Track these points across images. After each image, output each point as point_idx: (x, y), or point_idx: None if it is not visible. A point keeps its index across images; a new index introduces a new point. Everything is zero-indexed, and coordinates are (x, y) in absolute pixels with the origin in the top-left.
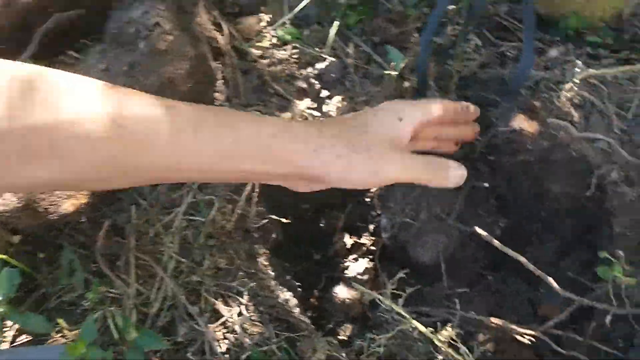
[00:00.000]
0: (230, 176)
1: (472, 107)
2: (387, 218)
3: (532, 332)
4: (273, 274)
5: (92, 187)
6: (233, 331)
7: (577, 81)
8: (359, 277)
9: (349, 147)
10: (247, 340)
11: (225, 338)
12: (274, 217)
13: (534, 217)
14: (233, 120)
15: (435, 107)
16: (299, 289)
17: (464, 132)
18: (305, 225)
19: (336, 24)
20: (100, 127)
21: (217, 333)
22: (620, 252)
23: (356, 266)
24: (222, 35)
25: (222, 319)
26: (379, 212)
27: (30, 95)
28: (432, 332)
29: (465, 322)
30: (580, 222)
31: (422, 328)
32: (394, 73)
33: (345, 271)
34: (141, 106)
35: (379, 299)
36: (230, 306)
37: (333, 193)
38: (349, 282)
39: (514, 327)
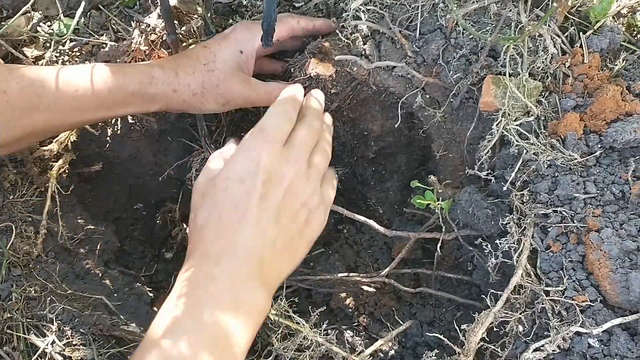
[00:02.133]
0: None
1: (302, 22)
2: None
3: (378, 279)
4: (111, 287)
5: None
6: None
7: (356, 9)
8: None
9: (201, 85)
10: None
11: None
12: (91, 227)
13: (365, 161)
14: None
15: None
16: (150, 294)
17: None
18: (144, 225)
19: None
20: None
21: None
22: (433, 178)
23: None
24: None
25: (38, 352)
26: None
27: None
28: None
29: (320, 285)
30: (413, 154)
31: None
32: None
33: None
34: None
35: None
36: (47, 336)
37: (166, 186)
38: None
39: (358, 278)
